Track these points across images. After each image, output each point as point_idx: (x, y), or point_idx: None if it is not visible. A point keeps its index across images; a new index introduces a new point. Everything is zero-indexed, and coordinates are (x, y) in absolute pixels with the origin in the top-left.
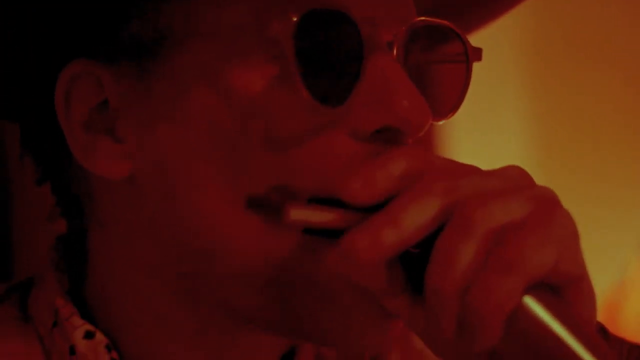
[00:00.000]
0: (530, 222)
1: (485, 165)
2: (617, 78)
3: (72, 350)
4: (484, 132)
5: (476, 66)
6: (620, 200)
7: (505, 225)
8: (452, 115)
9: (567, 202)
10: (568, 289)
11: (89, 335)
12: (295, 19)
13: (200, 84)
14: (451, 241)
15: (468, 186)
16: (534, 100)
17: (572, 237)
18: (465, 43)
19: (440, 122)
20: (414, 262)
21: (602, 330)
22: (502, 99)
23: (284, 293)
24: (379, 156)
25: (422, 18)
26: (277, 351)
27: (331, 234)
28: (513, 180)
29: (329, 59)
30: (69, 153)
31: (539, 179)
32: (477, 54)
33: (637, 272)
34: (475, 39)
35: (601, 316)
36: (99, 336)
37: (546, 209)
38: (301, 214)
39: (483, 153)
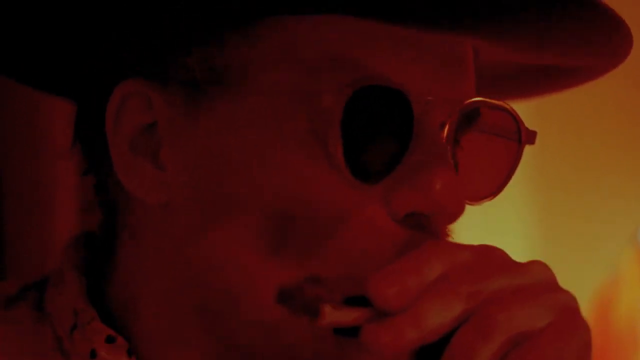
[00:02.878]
0: (550, 332)
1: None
2: (613, 72)
3: (93, 354)
4: None
5: None
6: (612, 192)
7: (525, 332)
8: (492, 198)
9: (559, 195)
10: None
11: (110, 340)
12: (347, 93)
13: (245, 143)
14: (469, 341)
15: (492, 287)
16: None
17: (586, 350)
18: (519, 125)
19: (477, 204)
20: (431, 356)
21: None
22: None
23: (295, 354)
24: (410, 255)
25: (480, 99)
26: None
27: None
28: (537, 281)
29: (375, 136)
30: (109, 154)
31: (532, 170)
32: (532, 136)
33: (630, 266)
34: None
35: (593, 312)
36: (120, 341)
37: (567, 320)
38: (336, 316)
39: None
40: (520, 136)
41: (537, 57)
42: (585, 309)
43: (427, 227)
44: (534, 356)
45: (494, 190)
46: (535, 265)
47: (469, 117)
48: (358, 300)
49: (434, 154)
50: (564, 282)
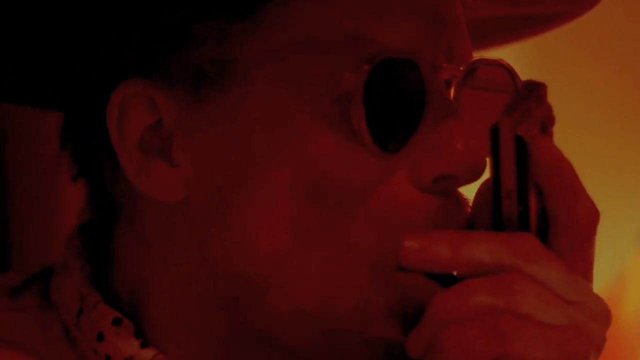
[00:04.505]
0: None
1: None
2: (616, 70)
3: (101, 337)
4: None
5: None
6: (618, 191)
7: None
8: None
9: None
10: None
11: (116, 322)
12: (367, 69)
13: (265, 128)
14: (477, 284)
15: (536, 273)
16: None
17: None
18: (514, 77)
19: None
20: None
21: None
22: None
23: (334, 341)
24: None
25: (479, 57)
26: None
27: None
28: (586, 306)
29: (393, 106)
30: (109, 156)
31: None
32: None
33: (636, 265)
34: None
35: None
36: (127, 323)
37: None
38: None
39: None
40: (516, 89)
41: (513, 6)
42: None
43: (453, 191)
44: (514, 332)
45: None
46: (596, 300)
47: (470, 75)
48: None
49: (447, 114)
50: None
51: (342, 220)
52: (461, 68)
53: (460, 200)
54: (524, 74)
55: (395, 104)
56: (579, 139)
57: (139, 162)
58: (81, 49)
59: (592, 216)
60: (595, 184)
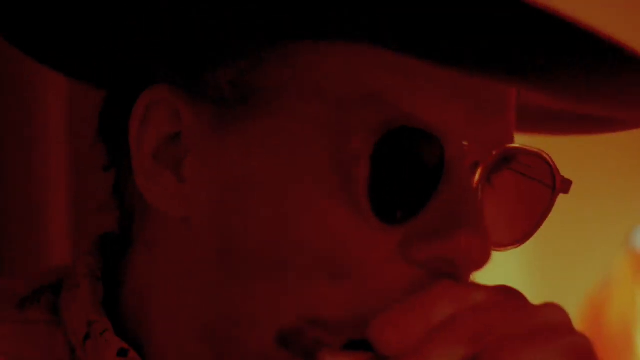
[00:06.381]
0: None
1: None
2: None
3: None
4: None
5: None
6: (606, 195)
7: None
8: (518, 246)
9: None
10: None
11: (122, 353)
12: (378, 136)
13: (268, 167)
14: None
15: (501, 331)
16: None
17: None
18: (554, 172)
19: (501, 251)
20: None
21: None
22: None
23: None
24: (417, 296)
25: (516, 146)
26: None
27: None
28: (550, 324)
29: (402, 178)
30: (128, 157)
31: None
32: (566, 185)
33: (623, 269)
34: None
35: (585, 315)
36: (132, 354)
37: None
38: None
39: None
40: (555, 183)
41: (575, 107)
42: (578, 312)
43: (444, 271)
44: None
45: (519, 238)
46: (549, 308)
47: (504, 159)
48: (362, 344)
49: (463, 201)
50: (557, 285)
51: (319, 283)
52: (494, 152)
53: (455, 278)
54: None
55: (406, 177)
56: (569, 143)
57: (149, 169)
58: (127, 43)
59: None
60: (584, 187)
